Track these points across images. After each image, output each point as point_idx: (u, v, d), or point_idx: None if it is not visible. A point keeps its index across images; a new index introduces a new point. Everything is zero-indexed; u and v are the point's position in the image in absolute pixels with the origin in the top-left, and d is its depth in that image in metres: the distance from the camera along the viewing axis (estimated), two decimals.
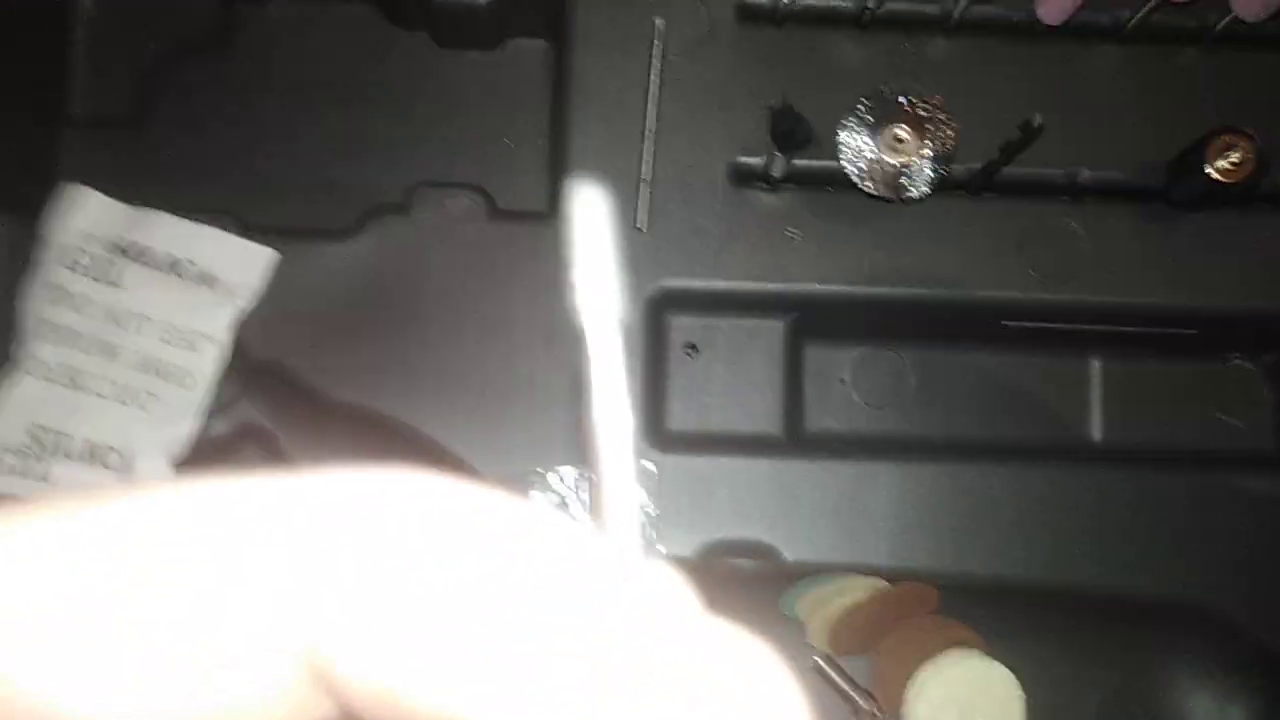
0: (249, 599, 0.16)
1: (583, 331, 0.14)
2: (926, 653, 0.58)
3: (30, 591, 0.16)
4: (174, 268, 0.63)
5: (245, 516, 0.17)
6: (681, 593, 0.17)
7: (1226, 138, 0.60)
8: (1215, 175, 0.60)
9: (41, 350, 0.61)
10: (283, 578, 0.16)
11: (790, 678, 0.16)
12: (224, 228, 0.63)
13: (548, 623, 0.16)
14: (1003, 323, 0.64)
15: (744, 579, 0.61)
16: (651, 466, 0.61)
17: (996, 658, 0.58)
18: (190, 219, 0.63)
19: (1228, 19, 0.63)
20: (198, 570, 0.16)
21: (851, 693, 0.60)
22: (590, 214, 0.14)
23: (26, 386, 0.61)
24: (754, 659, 0.16)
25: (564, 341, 0.59)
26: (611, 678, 0.15)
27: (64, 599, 0.16)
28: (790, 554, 0.62)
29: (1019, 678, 0.57)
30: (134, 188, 0.63)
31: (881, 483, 0.62)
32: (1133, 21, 0.64)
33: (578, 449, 0.61)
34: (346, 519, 0.16)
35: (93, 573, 0.16)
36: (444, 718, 0.16)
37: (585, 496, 0.61)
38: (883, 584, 0.60)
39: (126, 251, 0.63)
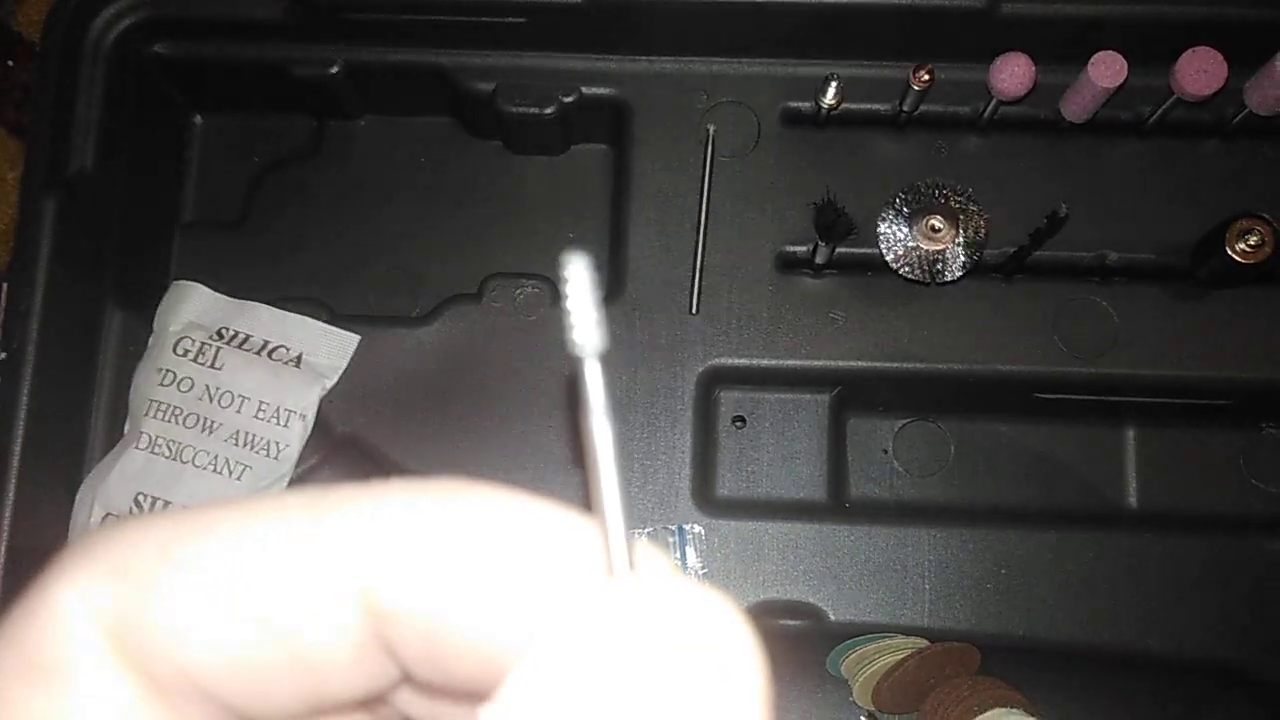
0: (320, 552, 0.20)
1: (578, 362, 0.19)
2: (969, 710, 0.59)
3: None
4: (269, 352, 0.69)
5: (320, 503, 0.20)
6: (658, 562, 0.19)
7: (1245, 222, 0.63)
8: (1236, 257, 0.63)
9: (149, 425, 0.67)
10: (345, 538, 0.20)
11: (751, 637, 0.18)
12: (314, 316, 0.69)
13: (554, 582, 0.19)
14: (1035, 395, 0.67)
15: (790, 638, 0.64)
16: (700, 529, 0.65)
17: (1037, 716, 0.59)
18: (284, 308, 0.69)
19: (1243, 113, 0.67)
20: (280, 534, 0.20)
21: None
22: (579, 276, 0.19)
23: (133, 458, 0.67)
24: (718, 618, 0.18)
25: (621, 415, 0.63)
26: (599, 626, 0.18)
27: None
28: (835, 615, 0.64)
29: None
30: (235, 281, 0.70)
31: (923, 547, 0.65)
32: (1153, 118, 0.68)
33: (632, 509, 0.65)
34: (398, 498, 0.20)
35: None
36: (477, 653, 0.19)
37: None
38: (925, 644, 0.62)
39: (227, 338, 0.69)
